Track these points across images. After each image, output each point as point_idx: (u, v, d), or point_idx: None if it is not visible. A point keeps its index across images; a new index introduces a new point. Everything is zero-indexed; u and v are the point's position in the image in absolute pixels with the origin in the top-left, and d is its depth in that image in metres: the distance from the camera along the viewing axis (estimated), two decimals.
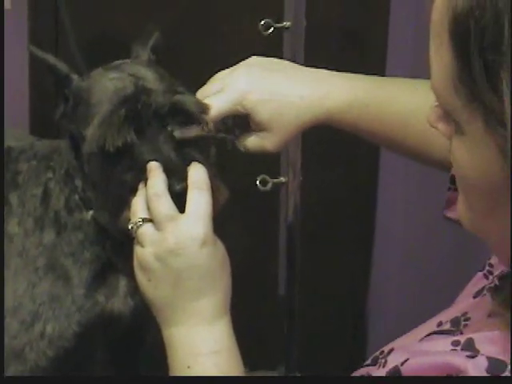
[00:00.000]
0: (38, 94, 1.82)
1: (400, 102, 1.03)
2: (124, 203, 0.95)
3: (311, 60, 1.45)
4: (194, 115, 0.99)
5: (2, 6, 1.40)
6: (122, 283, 1.14)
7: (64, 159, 1.12)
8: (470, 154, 0.66)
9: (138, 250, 0.91)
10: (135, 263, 0.92)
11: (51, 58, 1.05)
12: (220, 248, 0.91)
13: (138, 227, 0.91)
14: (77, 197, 1.11)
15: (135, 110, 0.97)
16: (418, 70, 1.82)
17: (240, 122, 1.03)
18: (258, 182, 1.45)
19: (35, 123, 1.83)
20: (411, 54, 1.83)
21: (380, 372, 0.73)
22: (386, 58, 1.86)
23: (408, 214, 1.94)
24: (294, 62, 1.42)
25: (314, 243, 1.83)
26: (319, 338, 1.89)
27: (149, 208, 0.91)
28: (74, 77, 1.05)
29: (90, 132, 0.98)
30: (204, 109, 1.00)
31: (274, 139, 1.01)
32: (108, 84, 1.01)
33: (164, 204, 0.89)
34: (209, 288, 0.89)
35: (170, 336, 0.90)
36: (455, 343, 0.70)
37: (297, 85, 1.02)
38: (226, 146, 1.05)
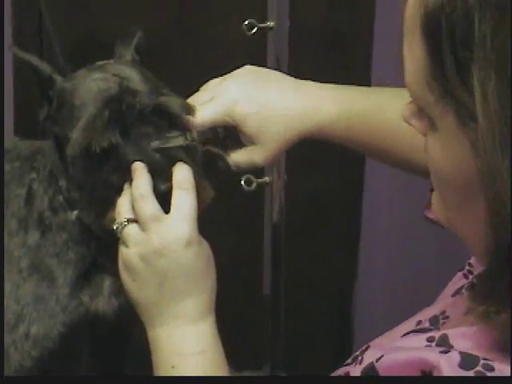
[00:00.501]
0: (23, 96, 1.82)
1: (387, 112, 1.03)
2: (109, 204, 0.95)
3: (295, 60, 1.46)
4: (178, 117, 0.99)
5: (2, 6, 1.39)
6: (107, 283, 1.14)
7: (47, 160, 1.12)
8: (443, 150, 0.66)
9: (122, 250, 0.91)
10: (120, 264, 0.92)
11: (34, 59, 1.04)
12: (205, 248, 0.92)
13: (123, 227, 0.91)
14: (61, 197, 1.11)
15: (119, 111, 0.97)
16: (404, 69, 1.83)
17: (231, 133, 1.03)
18: (242, 182, 1.45)
19: (20, 124, 1.82)
20: (397, 54, 1.83)
21: (356, 369, 0.74)
22: (372, 58, 1.86)
23: (393, 212, 1.94)
24: (278, 61, 1.44)
25: (298, 243, 1.83)
26: (305, 337, 1.89)
27: (134, 208, 0.91)
28: (58, 78, 1.04)
29: (75, 134, 0.98)
30: (189, 111, 0.99)
31: (262, 152, 1.01)
32: (92, 85, 1.00)
33: (149, 204, 0.89)
34: (194, 289, 0.89)
35: (155, 336, 0.90)
36: (430, 339, 0.71)
37: (286, 97, 1.01)
38: (212, 159, 1.04)
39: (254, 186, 1.44)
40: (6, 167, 1.15)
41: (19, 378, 1.10)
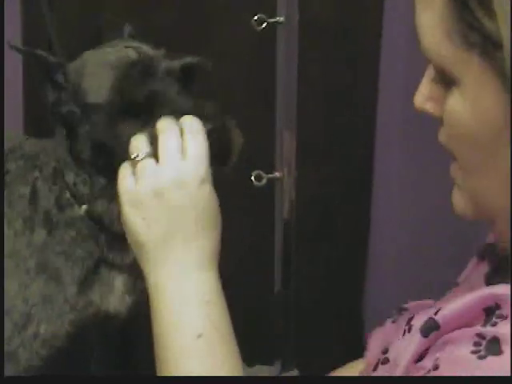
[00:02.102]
0: (32, 95, 1.82)
1: None
2: None
3: (305, 55, 1.46)
4: (202, 68, 1.03)
5: (2, 7, 1.40)
6: (118, 281, 1.13)
7: (51, 157, 1.12)
8: (468, 104, 0.67)
9: (133, 186, 0.88)
10: (127, 200, 0.88)
11: (38, 51, 1.05)
12: (215, 195, 0.90)
13: (141, 159, 0.89)
14: (67, 194, 1.10)
15: (147, 69, 0.98)
16: (412, 62, 1.82)
17: None
18: (252, 178, 1.45)
19: (29, 124, 1.82)
20: (406, 45, 1.83)
21: (409, 336, 0.73)
22: (380, 52, 1.85)
23: (403, 209, 1.94)
24: (287, 56, 1.43)
25: (309, 239, 1.83)
26: (315, 333, 1.88)
27: (156, 141, 0.89)
28: (68, 64, 1.06)
29: (106, 88, 0.98)
30: (208, 65, 1.03)
31: None
32: (108, 56, 1.02)
33: (172, 137, 0.89)
34: (203, 232, 0.87)
35: (158, 279, 0.87)
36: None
37: None
38: None
39: (264, 181, 1.44)
40: (12, 166, 1.15)
41: (19, 378, 1.10)
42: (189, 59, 1.01)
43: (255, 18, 1.38)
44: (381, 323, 1.91)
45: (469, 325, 0.69)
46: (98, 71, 1.02)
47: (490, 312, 0.67)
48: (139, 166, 0.88)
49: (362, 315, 1.98)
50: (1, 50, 1.37)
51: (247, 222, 1.85)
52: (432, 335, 0.71)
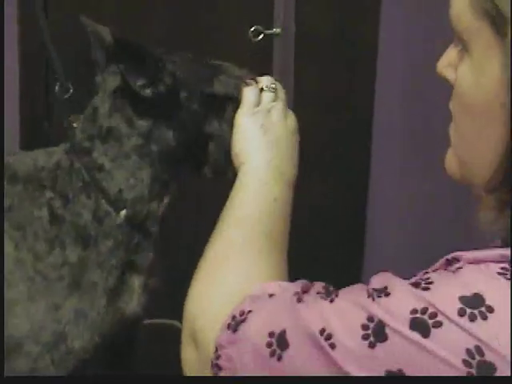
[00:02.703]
0: (28, 103, 1.83)
1: None
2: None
3: (301, 66, 1.47)
4: None
5: (2, 7, 1.39)
6: (137, 283, 1.13)
7: (75, 169, 1.10)
8: (473, 73, 0.72)
9: (257, 104, 1.03)
10: (247, 113, 1.01)
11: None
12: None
13: (271, 91, 1.05)
14: (104, 202, 1.09)
15: None
16: (409, 75, 1.83)
17: None
18: None
19: (25, 131, 1.83)
20: (402, 59, 1.84)
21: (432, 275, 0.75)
22: (376, 64, 1.87)
23: (399, 212, 1.94)
24: (283, 68, 1.45)
25: (304, 253, 1.83)
26: None
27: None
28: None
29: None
30: None
31: None
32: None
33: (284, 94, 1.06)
34: (295, 155, 1.01)
35: (256, 165, 0.97)
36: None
37: None
38: None
39: None
40: (8, 190, 1.10)
41: (19, 378, 1.09)
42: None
43: (252, 29, 1.39)
44: None
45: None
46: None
47: (451, 261, 0.71)
48: (267, 93, 1.04)
49: None
50: (1, 51, 1.37)
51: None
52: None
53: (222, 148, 1.08)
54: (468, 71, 0.73)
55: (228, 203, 0.92)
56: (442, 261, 0.72)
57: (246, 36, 1.39)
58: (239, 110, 1.03)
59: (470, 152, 0.76)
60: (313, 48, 1.76)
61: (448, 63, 0.77)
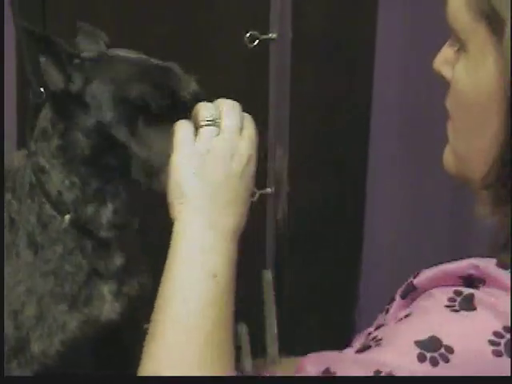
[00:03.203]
0: (25, 103, 1.82)
1: None
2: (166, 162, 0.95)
3: (297, 72, 1.46)
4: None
5: (2, 7, 1.40)
6: (107, 288, 1.12)
7: (26, 170, 1.09)
8: (470, 72, 0.74)
9: (194, 142, 0.93)
10: (182, 154, 0.92)
11: (55, 37, 1.04)
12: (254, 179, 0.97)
13: (206, 124, 0.93)
14: (48, 206, 1.07)
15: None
16: (406, 80, 1.83)
17: None
18: None
19: (23, 133, 1.82)
20: (398, 64, 1.83)
21: (395, 303, 0.74)
22: (374, 68, 1.86)
23: (396, 222, 1.94)
24: (280, 73, 1.44)
25: (301, 253, 1.83)
26: (308, 341, 1.88)
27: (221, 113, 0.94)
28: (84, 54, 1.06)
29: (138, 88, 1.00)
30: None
31: None
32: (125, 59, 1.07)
33: (237, 118, 0.94)
34: (238, 205, 0.93)
35: (187, 222, 0.90)
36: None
37: None
38: None
39: (256, 197, 1.44)
40: None
41: (19, 378, 1.10)
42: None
43: (248, 34, 1.39)
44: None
45: (443, 284, 0.73)
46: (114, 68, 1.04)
47: (469, 280, 0.71)
48: (205, 128, 0.93)
49: (355, 324, 1.98)
50: (1, 51, 1.36)
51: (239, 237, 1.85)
52: (409, 296, 0.75)
53: (136, 162, 1.00)
54: (464, 70, 0.74)
55: (165, 275, 0.87)
56: (455, 270, 0.72)
57: (242, 41, 1.38)
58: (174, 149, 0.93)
59: (466, 148, 0.77)
60: (309, 53, 1.76)
61: (444, 60, 0.79)
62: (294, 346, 1.59)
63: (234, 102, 0.97)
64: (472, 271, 0.71)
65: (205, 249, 0.88)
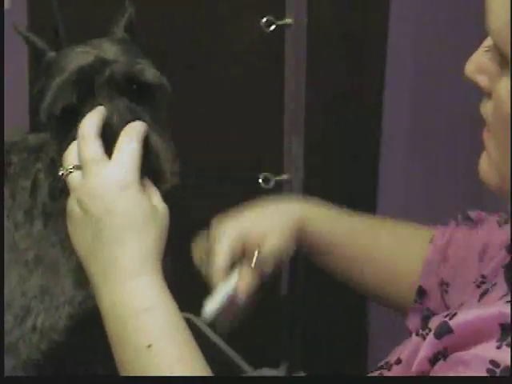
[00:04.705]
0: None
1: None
2: None
3: (313, 57, 1.46)
4: (150, 86, 0.98)
5: (2, 6, 1.40)
6: None
7: (50, 148, 1.11)
8: None
9: (68, 198, 0.89)
10: (66, 212, 0.89)
11: (31, 35, 1.05)
12: (146, 199, 0.87)
13: (67, 174, 0.89)
14: (61, 183, 1.09)
15: (88, 77, 0.96)
16: (418, 66, 1.82)
17: None
18: (260, 180, 1.44)
19: (35, 123, 1.82)
20: (411, 51, 1.83)
21: (420, 338, 0.72)
22: (387, 55, 1.85)
23: (409, 212, 1.94)
24: (296, 59, 1.43)
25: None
26: (322, 336, 1.88)
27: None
28: (51, 53, 1.04)
29: (45, 100, 0.98)
30: (161, 81, 0.99)
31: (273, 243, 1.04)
32: (71, 57, 1.00)
33: (89, 146, 0.87)
34: (129, 239, 0.84)
35: (99, 297, 0.85)
36: (504, 302, 0.70)
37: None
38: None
39: (272, 183, 1.44)
40: (15, 159, 1.15)
41: (19, 378, 1.09)
42: (136, 69, 0.99)
43: (264, 19, 1.38)
44: (386, 327, 1.91)
45: (484, 337, 0.68)
46: (55, 73, 1.01)
47: (506, 328, 0.67)
48: (68, 179, 0.88)
49: (368, 319, 1.98)
50: (1, 51, 1.36)
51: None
52: (445, 338, 0.71)
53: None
54: (509, 86, 0.70)
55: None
56: (493, 317, 0.68)
57: (258, 26, 1.37)
58: None
59: (510, 165, 0.73)
60: (325, 38, 1.75)
61: (479, 69, 0.74)
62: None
63: (88, 124, 0.90)
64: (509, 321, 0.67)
65: (124, 319, 0.82)
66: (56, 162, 1.09)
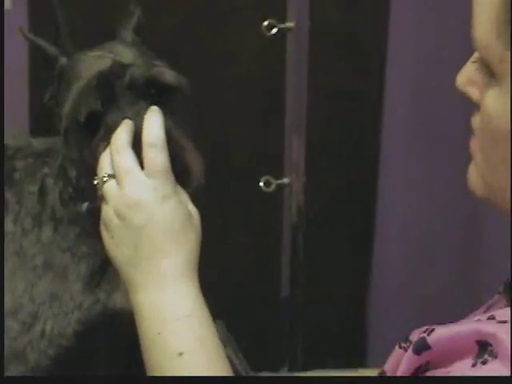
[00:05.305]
0: (38, 95, 1.81)
1: None
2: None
3: (314, 61, 1.46)
4: (171, 85, 0.98)
5: (1, 6, 1.40)
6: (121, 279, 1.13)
7: (59, 152, 1.11)
8: (501, 101, 0.69)
9: (103, 207, 0.89)
10: (101, 220, 0.90)
11: (41, 41, 1.04)
12: (184, 205, 0.89)
13: (103, 183, 0.89)
14: (71, 189, 1.09)
15: (109, 83, 0.96)
16: (419, 68, 1.82)
17: None
18: (261, 184, 1.44)
19: (35, 124, 1.82)
20: (412, 53, 1.83)
21: (407, 352, 0.72)
22: (387, 58, 1.86)
23: (409, 214, 1.94)
24: (297, 62, 1.43)
25: (317, 244, 1.83)
26: (322, 338, 1.88)
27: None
28: (63, 59, 1.04)
29: (66, 106, 0.98)
30: (182, 82, 0.99)
31: None
32: (87, 62, 1.00)
33: (124, 157, 0.87)
34: (171, 247, 0.86)
35: (137, 301, 0.86)
36: (478, 320, 0.70)
37: None
38: None
39: (273, 187, 1.44)
40: (20, 164, 1.15)
41: (19, 378, 1.09)
42: (158, 71, 0.99)
43: (265, 23, 1.38)
44: (386, 329, 1.91)
45: (461, 353, 0.68)
46: (71, 81, 1.00)
47: (483, 345, 0.67)
48: (104, 189, 0.88)
49: (369, 320, 1.98)
50: (1, 50, 1.36)
51: (255, 227, 1.85)
52: (424, 354, 0.71)
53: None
54: (497, 101, 0.70)
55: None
56: (471, 334, 0.68)
57: (260, 29, 1.37)
58: None
59: (496, 176, 0.73)
60: (326, 41, 1.75)
61: (469, 81, 0.74)
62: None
63: (121, 135, 0.90)
64: (490, 340, 0.66)
65: (160, 325, 0.84)
66: (65, 167, 1.09)
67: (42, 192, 1.11)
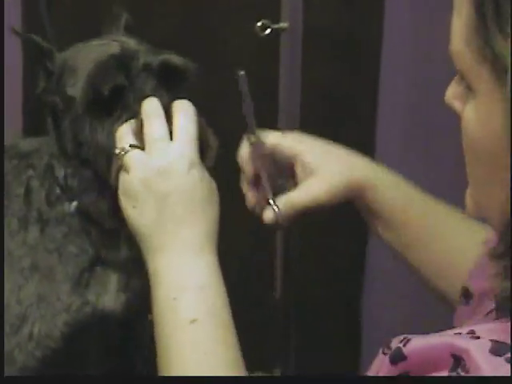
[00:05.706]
0: (32, 95, 1.81)
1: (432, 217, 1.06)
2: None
3: (308, 62, 1.46)
4: (183, 69, 1.01)
5: (1, 6, 1.40)
6: (113, 278, 1.12)
7: (44, 153, 1.11)
8: (478, 115, 0.68)
9: (124, 176, 0.90)
10: (120, 190, 0.90)
11: (34, 36, 1.05)
12: (208, 178, 0.91)
13: (126, 152, 0.90)
14: (58, 189, 1.10)
15: (124, 64, 0.98)
16: (413, 69, 1.82)
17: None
18: None
19: (28, 123, 1.82)
20: (406, 54, 1.83)
21: (385, 360, 0.72)
22: (381, 59, 1.86)
23: None
24: (291, 62, 1.43)
25: (311, 245, 1.83)
26: (316, 339, 1.88)
27: (143, 128, 0.90)
28: (58, 53, 1.06)
29: (81, 82, 0.99)
30: (192, 66, 1.02)
31: (323, 185, 1.01)
32: (94, 48, 1.02)
33: (160, 123, 0.89)
34: (194, 217, 0.87)
35: (155, 267, 0.87)
36: (457, 333, 0.70)
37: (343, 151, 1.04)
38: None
39: None
40: (7, 166, 1.15)
41: (19, 378, 1.09)
42: (168, 56, 1.01)
43: (259, 23, 1.38)
44: (378, 329, 1.91)
45: (436, 365, 0.68)
46: (78, 64, 1.02)
47: (458, 359, 0.66)
48: (126, 158, 0.89)
49: (361, 323, 1.98)
50: (1, 50, 1.36)
51: (249, 229, 1.84)
52: (400, 364, 0.70)
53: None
54: (474, 115, 0.69)
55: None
56: (445, 348, 0.67)
57: (253, 30, 1.37)
58: None
59: (482, 195, 0.71)
60: (320, 42, 1.74)
61: (455, 96, 0.73)
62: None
63: (152, 103, 0.92)
64: (464, 355, 0.65)
65: (176, 292, 0.85)
66: (51, 166, 1.09)
67: (27, 195, 1.11)
